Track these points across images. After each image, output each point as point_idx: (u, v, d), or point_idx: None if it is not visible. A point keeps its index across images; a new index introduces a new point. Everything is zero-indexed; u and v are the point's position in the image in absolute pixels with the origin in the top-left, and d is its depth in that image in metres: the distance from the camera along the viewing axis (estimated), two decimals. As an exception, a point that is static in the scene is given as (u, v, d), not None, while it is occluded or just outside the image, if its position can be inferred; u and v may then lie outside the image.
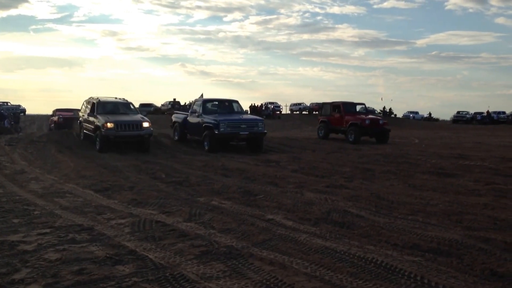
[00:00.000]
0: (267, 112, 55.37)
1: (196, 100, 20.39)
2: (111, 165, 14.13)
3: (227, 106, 20.09)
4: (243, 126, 18.22)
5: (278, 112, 60.73)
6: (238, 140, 18.72)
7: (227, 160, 15.09)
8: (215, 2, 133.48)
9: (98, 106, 18.29)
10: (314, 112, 52.51)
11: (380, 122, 23.79)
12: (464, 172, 11.73)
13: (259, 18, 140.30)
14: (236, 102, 20.60)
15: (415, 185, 9.86)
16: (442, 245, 5.48)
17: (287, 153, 17.64)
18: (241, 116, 19.46)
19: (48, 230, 6.50)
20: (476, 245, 5.45)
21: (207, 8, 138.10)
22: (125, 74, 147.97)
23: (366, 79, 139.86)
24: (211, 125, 18.01)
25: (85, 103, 20.30)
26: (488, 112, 59.68)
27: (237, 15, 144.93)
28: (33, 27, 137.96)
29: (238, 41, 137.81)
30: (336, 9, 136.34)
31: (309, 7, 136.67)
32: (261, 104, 63.73)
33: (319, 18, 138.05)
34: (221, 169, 12.93)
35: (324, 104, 27.31)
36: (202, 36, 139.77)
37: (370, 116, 25.20)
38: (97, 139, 17.41)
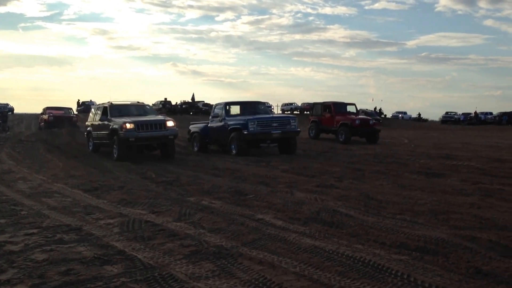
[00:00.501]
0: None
1: (216, 104, 18.70)
2: (100, 165, 14.12)
3: (251, 107, 18.26)
4: (274, 124, 16.47)
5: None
6: (270, 141, 16.80)
7: (218, 160, 15.10)
8: (207, 2, 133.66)
9: (112, 109, 16.28)
10: (305, 112, 52.56)
11: (370, 122, 23.94)
12: (451, 172, 11.82)
13: (251, 18, 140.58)
14: (261, 103, 19.17)
15: (403, 184, 9.92)
16: (429, 244, 5.53)
17: (277, 153, 17.55)
18: (271, 114, 18.04)
19: (35, 231, 6.48)
20: (462, 244, 5.50)
21: (199, 8, 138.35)
22: (115, 73, 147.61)
23: (357, 80, 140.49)
24: (238, 126, 16.41)
25: (93, 110, 18.52)
26: (475, 113, 60.17)
27: (229, 14, 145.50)
28: (22, 25, 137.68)
29: (230, 41, 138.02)
30: (328, 10, 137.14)
31: (301, 7, 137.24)
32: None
33: (311, 18, 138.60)
34: (212, 169, 12.95)
35: (315, 104, 27.42)
36: (194, 36, 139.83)
37: (360, 116, 25.35)
38: (114, 145, 15.33)
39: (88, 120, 18.35)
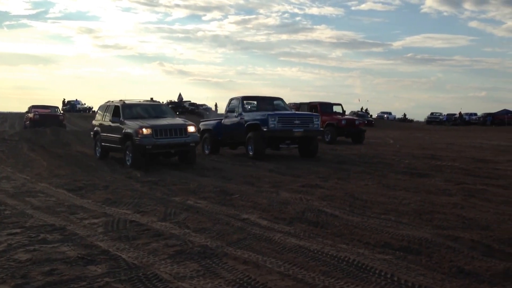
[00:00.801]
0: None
1: (232, 99, 16.88)
2: (85, 164, 14.02)
3: (269, 103, 16.67)
4: (296, 121, 14.95)
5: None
6: (289, 142, 15.22)
7: (203, 159, 15.06)
8: (194, 1, 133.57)
9: (124, 110, 14.13)
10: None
11: (356, 122, 24.07)
12: (436, 172, 11.92)
13: (238, 18, 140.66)
14: (280, 99, 17.34)
15: (388, 185, 9.99)
16: (413, 244, 5.57)
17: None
18: (293, 110, 16.65)
19: (18, 230, 6.43)
20: (445, 243, 5.55)
21: (186, 7, 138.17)
22: (101, 72, 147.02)
23: (343, 80, 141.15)
24: (257, 122, 14.89)
25: (101, 108, 16.05)
26: (460, 113, 60.72)
27: (216, 14, 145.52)
28: (7, 23, 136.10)
29: (217, 41, 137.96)
30: (314, 10, 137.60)
31: (288, 7, 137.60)
32: (239, 104, 63.82)
33: (298, 18, 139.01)
34: (198, 168, 12.92)
35: (301, 104, 27.45)
36: (180, 35, 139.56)
37: (346, 116, 25.48)
38: (128, 151, 13.38)
39: (96, 119, 16.17)
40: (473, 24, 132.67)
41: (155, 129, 12.97)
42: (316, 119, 15.37)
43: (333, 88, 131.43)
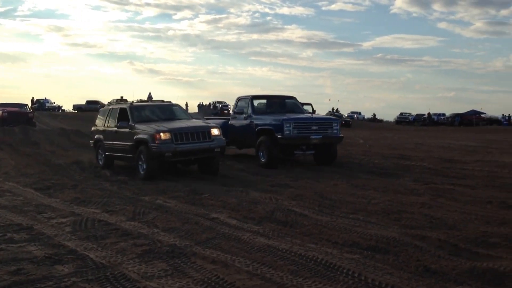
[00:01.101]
0: (215, 111, 55.43)
1: (240, 98, 15.09)
2: (54, 163, 13.82)
3: (281, 104, 15.06)
4: (314, 127, 13.32)
5: (226, 111, 60.82)
6: (306, 148, 13.53)
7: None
8: (165, 0, 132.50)
9: (133, 112, 12.19)
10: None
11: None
12: (404, 172, 12.09)
13: (209, 17, 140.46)
14: (293, 98, 15.57)
15: (357, 184, 10.09)
16: (381, 243, 5.64)
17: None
18: (310, 115, 15.09)
19: (-16, 230, 6.31)
20: (412, 242, 5.64)
21: (156, 6, 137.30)
22: (71, 71, 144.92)
23: (314, 80, 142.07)
24: (270, 127, 13.24)
25: (101, 113, 14.07)
26: (429, 114, 61.70)
27: (187, 13, 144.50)
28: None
29: (188, 40, 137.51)
30: (285, 10, 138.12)
31: (259, 7, 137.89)
32: (209, 103, 63.80)
33: (268, 18, 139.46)
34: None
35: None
36: (151, 34, 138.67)
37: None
38: (141, 160, 11.27)
39: (96, 124, 14.04)
40: (442, 25, 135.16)
41: (175, 132, 11.01)
42: (336, 124, 13.84)
43: (303, 88, 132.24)
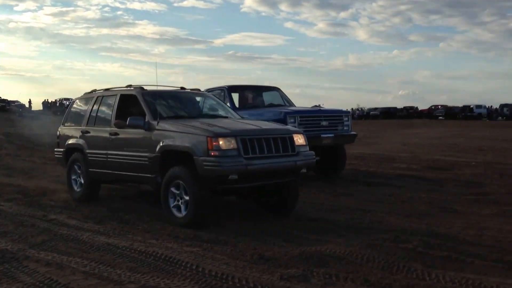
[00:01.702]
0: (61, 108, 52.87)
1: (212, 90, 11.26)
2: None
3: (260, 95, 11.84)
4: (324, 123, 10.20)
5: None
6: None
7: (11, 159, 14.05)
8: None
9: (152, 102, 7.35)
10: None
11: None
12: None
13: (55, 10, 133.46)
14: (277, 89, 12.23)
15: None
16: (221, 235, 5.82)
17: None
18: (318, 107, 12.38)
19: None
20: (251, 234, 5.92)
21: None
22: None
23: (167, 76, 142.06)
24: None
25: (78, 103, 8.89)
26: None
27: (30, 4, 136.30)
28: None
29: (31, 33, 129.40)
30: (136, 5, 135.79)
31: (109, 1, 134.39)
32: (55, 100, 60.70)
33: (119, 13, 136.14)
34: (4, 169, 12.03)
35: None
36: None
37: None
38: (177, 188, 6.41)
39: (64, 125, 8.96)
40: (288, 24, 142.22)
41: (243, 138, 6.22)
42: (346, 118, 10.69)
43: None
